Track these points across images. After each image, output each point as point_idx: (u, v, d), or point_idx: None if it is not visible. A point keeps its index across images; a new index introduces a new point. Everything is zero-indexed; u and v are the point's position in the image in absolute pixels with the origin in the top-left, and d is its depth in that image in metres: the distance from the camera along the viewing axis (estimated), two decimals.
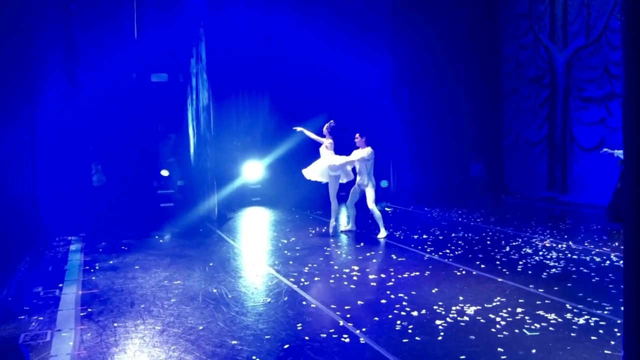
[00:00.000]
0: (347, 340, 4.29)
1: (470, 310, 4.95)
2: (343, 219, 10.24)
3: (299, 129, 9.07)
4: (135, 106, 10.80)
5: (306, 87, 13.14)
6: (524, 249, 7.53)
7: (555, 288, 5.61)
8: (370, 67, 13.84)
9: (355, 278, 6.22)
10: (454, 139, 14.09)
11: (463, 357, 3.92)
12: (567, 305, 5.01)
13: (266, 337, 4.39)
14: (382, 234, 8.58)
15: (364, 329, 4.53)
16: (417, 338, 4.31)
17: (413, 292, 5.56)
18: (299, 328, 4.58)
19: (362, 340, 4.31)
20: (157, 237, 9.09)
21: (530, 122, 13.73)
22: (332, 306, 5.16)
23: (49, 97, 9.54)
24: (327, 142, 8.75)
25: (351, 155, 8.62)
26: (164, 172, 11.59)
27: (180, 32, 10.95)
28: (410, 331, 4.46)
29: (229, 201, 12.18)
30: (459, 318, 4.75)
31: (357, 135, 8.64)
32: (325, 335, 4.39)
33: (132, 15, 10.96)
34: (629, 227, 0.94)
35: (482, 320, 4.68)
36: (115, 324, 4.74)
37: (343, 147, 8.97)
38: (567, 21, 12.64)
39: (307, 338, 4.34)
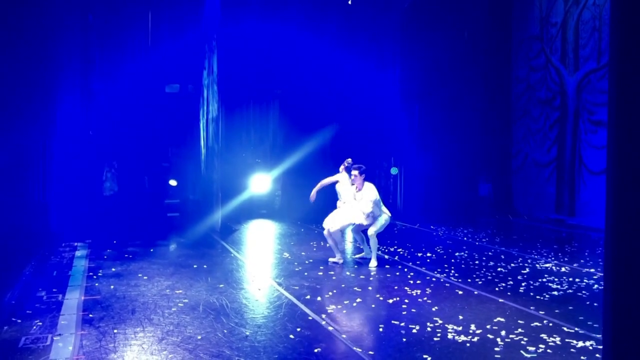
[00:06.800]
0: (344, 354, 4.30)
1: (470, 329, 4.93)
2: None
3: (313, 196, 8.01)
4: (147, 116, 10.98)
5: (316, 98, 13.21)
6: (527, 271, 7.49)
7: (557, 311, 5.58)
8: (380, 78, 13.82)
9: (355, 293, 6.23)
10: (463, 158, 14.06)
11: None
12: (567, 329, 4.98)
13: (263, 349, 4.41)
14: (374, 263, 7.79)
15: (361, 345, 4.53)
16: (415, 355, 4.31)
17: (413, 310, 5.56)
18: (296, 341, 4.60)
19: (359, 355, 4.31)
20: (162, 246, 9.16)
21: (540, 143, 13.69)
22: (331, 320, 5.17)
23: (64, 106, 9.74)
24: (342, 178, 7.85)
25: (370, 195, 7.58)
26: (172, 182, 11.71)
27: (193, 44, 11.15)
28: (407, 347, 4.46)
29: (236, 213, 12.25)
30: (457, 337, 4.73)
31: (356, 172, 7.58)
32: (319, 350, 4.40)
33: (147, 27, 11.19)
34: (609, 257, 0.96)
35: (480, 341, 4.66)
36: (115, 331, 4.79)
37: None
38: (579, 45, 12.67)
39: (302, 350, 4.36)
